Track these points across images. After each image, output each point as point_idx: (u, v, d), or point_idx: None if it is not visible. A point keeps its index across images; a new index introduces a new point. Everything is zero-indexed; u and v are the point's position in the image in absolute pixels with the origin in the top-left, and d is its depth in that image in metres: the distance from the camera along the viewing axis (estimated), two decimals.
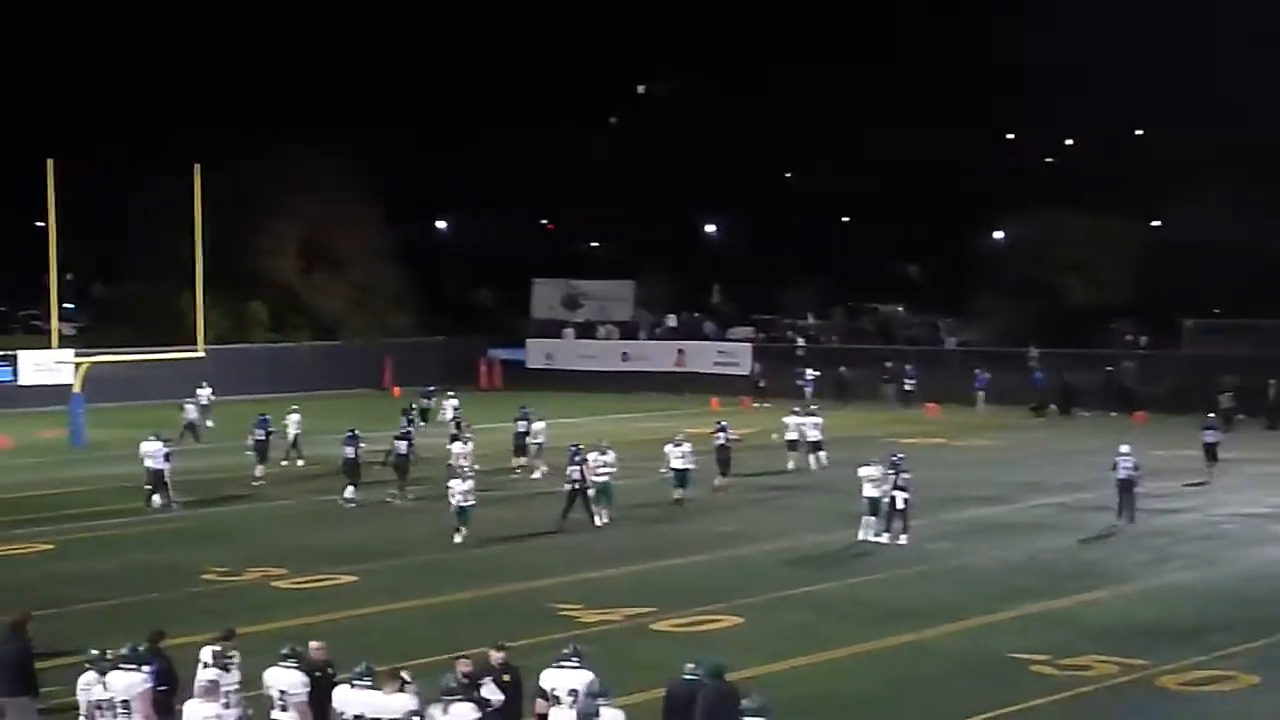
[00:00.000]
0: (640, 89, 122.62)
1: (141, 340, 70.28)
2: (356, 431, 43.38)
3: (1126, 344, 76.05)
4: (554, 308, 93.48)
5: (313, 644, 19.07)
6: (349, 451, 42.53)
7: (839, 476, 45.63)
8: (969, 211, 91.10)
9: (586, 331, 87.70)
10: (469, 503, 35.97)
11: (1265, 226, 79.90)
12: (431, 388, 63.28)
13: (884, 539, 35.47)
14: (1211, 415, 51.16)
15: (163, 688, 18.76)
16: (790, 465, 49.05)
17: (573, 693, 17.97)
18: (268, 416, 48.45)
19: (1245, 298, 76.96)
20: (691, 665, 18.59)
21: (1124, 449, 39.35)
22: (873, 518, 35.76)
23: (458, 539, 35.50)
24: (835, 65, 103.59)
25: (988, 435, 59.35)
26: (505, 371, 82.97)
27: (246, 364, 73.98)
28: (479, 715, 17.35)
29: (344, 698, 17.65)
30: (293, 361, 79.31)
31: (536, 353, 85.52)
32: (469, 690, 17.71)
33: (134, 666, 18.06)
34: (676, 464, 41.38)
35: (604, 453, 38.89)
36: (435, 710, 17.40)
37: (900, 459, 36.33)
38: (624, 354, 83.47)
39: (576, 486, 37.95)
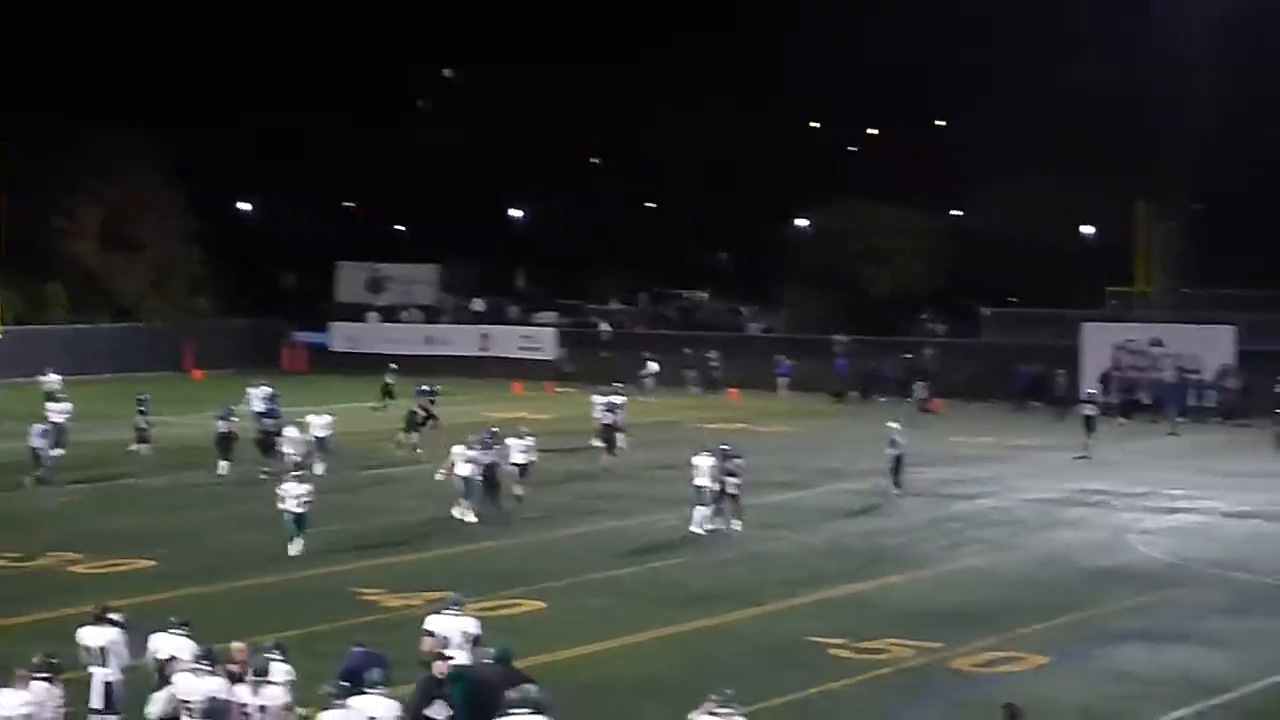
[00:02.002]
0: (447, 73, 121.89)
1: None
2: (232, 407, 43.64)
3: (927, 332, 77.15)
4: (358, 291, 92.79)
5: (235, 645, 18.90)
6: (221, 426, 42.69)
7: (641, 461, 45.94)
8: (773, 200, 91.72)
9: (390, 315, 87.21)
10: (304, 509, 32.58)
11: (1063, 217, 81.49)
12: (394, 365, 62.53)
13: (716, 526, 35.18)
14: (1091, 391, 54.10)
15: None
16: (596, 442, 49.41)
17: (464, 634, 20.14)
18: (146, 396, 47.54)
19: (1044, 287, 78.40)
20: (494, 650, 18.81)
21: (893, 424, 41.44)
22: (704, 508, 35.08)
23: (293, 550, 32.22)
24: (643, 51, 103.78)
25: (789, 421, 59.85)
26: (309, 355, 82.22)
27: (44, 345, 72.38)
28: (290, 699, 17.34)
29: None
30: (91, 343, 77.81)
31: (340, 336, 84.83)
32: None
33: None
34: (518, 458, 38.88)
35: (522, 437, 39.23)
36: (243, 690, 17.33)
37: (729, 447, 36.42)
38: (428, 338, 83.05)
39: (485, 474, 37.11)
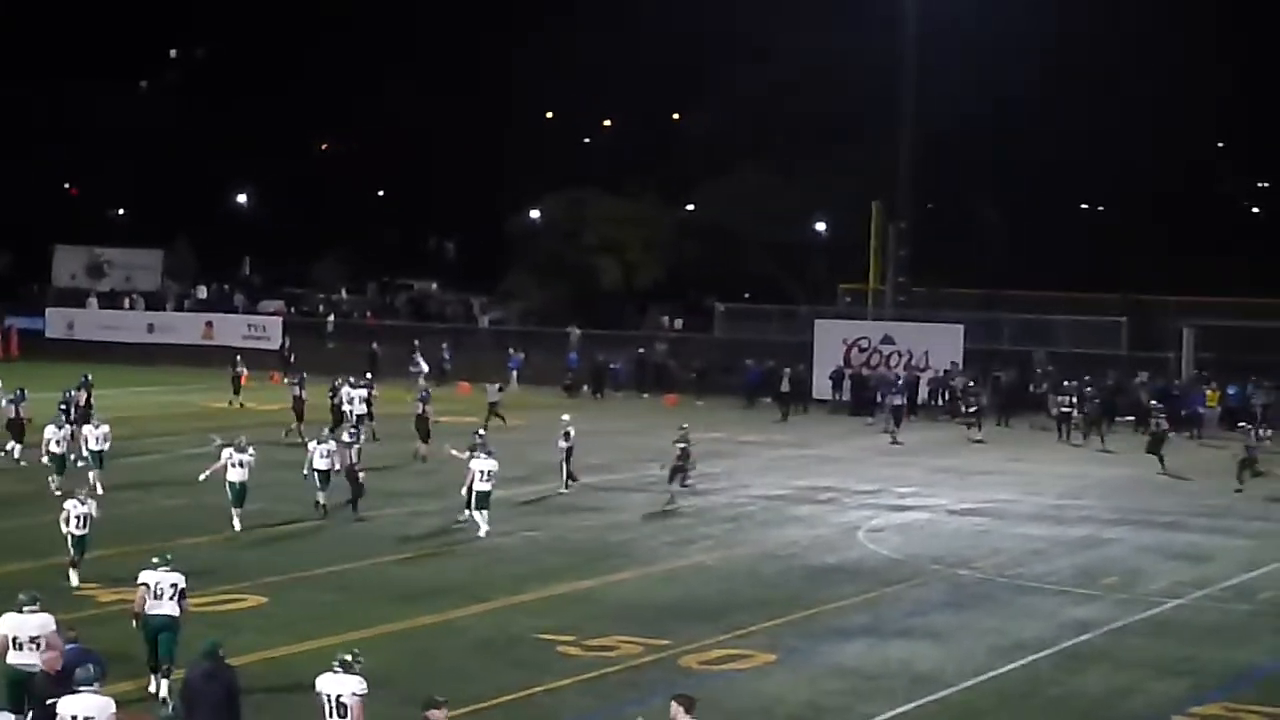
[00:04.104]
0: (173, 53, 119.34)
1: None
2: (24, 390, 44.09)
3: (660, 326, 77.41)
4: (76, 275, 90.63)
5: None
6: (10, 411, 42.92)
7: (376, 454, 45.32)
8: (505, 189, 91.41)
9: (111, 301, 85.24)
10: (85, 530, 28.43)
11: (795, 214, 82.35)
12: (239, 356, 62.00)
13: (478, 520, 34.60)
14: (893, 379, 58.80)
15: None
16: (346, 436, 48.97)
17: (174, 586, 22.02)
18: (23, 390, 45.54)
19: (776, 283, 79.22)
20: (204, 645, 18.45)
21: (566, 418, 42.56)
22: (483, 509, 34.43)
23: (75, 579, 28.40)
24: (369, 37, 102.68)
25: (520, 415, 59.46)
26: (23, 341, 79.95)
27: None
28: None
29: None
30: None
31: (57, 322, 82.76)
32: None
33: None
34: (320, 464, 36.14)
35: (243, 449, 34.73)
36: None
37: (483, 440, 36.03)
38: (150, 325, 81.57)
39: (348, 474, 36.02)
